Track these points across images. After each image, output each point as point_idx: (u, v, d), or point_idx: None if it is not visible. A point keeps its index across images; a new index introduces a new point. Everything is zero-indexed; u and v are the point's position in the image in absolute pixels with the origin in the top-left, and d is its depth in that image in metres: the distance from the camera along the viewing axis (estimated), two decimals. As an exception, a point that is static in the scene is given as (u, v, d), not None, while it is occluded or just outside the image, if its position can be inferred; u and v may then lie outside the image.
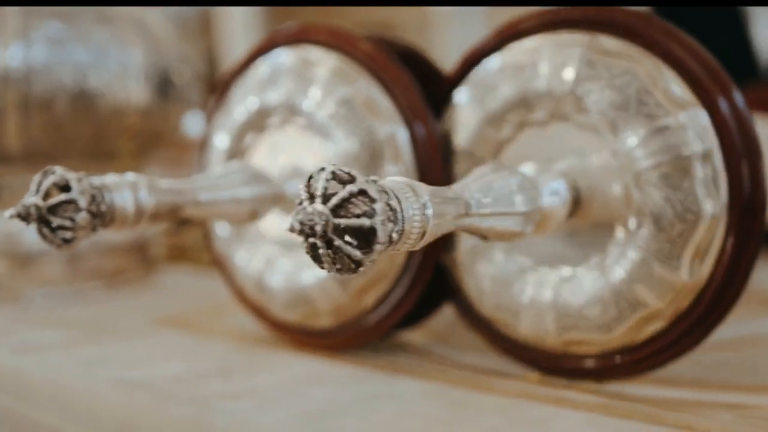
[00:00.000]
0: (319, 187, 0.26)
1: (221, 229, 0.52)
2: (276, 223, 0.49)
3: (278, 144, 0.48)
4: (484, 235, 0.34)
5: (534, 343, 0.42)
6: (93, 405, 0.44)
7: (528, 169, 0.38)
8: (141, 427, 0.41)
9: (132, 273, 0.72)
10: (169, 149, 0.78)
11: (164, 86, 0.69)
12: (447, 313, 0.56)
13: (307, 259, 0.45)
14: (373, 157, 0.44)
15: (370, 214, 0.26)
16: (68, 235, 0.35)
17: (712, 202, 0.36)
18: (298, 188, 0.27)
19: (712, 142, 0.36)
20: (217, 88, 0.53)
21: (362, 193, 0.26)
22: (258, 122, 0.49)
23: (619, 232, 0.39)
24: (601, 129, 0.38)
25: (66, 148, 0.66)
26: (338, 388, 0.42)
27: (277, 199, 0.46)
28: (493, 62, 0.42)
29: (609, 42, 0.38)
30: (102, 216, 0.37)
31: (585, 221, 0.39)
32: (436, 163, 0.44)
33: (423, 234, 0.28)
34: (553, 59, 0.39)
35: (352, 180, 0.26)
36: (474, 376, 0.43)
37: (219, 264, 0.53)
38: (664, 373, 0.41)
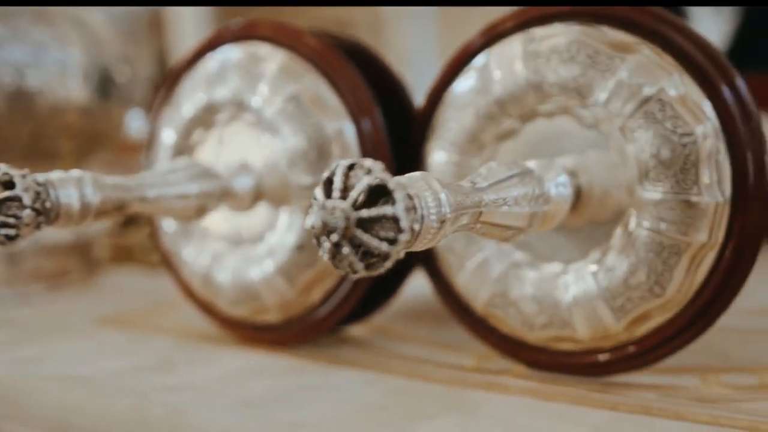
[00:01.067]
0: (336, 183, 0.26)
1: (168, 226, 0.52)
2: (223, 219, 0.49)
3: (226, 140, 0.49)
4: (495, 231, 0.33)
5: (522, 337, 0.42)
6: (33, 401, 0.44)
7: (533, 164, 0.37)
8: (80, 421, 0.41)
9: (75, 274, 0.71)
10: (112, 150, 0.77)
11: (105, 85, 0.69)
12: (389, 308, 0.57)
13: (254, 254, 0.47)
14: (320, 153, 0.45)
15: (392, 202, 0.25)
16: (12, 232, 0.35)
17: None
18: (314, 190, 0.26)
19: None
20: (163, 83, 0.53)
21: (380, 184, 0.25)
22: (206, 118, 0.49)
23: (620, 228, 0.39)
24: (634, 166, 0.37)
25: (5, 147, 0.66)
26: (278, 380, 0.43)
27: (225, 195, 0.46)
28: (514, 45, 0.41)
29: (620, 35, 0.38)
30: (47, 213, 0.36)
31: (583, 218, 0.39)
32: (383, 157, 0.44)
33: (441, 226, 0.28)
34: (631, 76, 0.38)
35: (368, 173, 0.26)
36: (412, 365, 0.45)
37: (166, 261, 0.54)
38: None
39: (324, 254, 0.26)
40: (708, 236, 0.36)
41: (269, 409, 0.39)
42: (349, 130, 0.45)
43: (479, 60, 0.42)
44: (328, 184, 0.26)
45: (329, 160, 0.45)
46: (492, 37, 0.42)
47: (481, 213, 0.31)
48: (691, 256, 0.37)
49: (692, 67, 0.37)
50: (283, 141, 0.45)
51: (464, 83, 0.42)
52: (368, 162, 0.26)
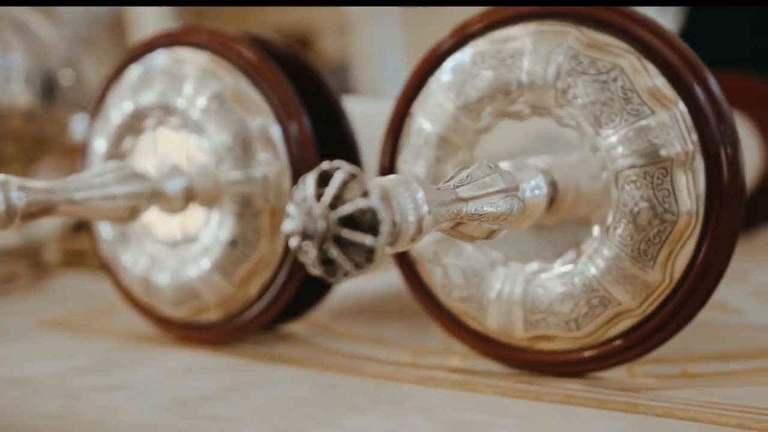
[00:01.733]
0: (308, 190, 0.26)
1: (107, 233, 0.52)
2: (159, 223, 0.50)
3: (155, 145, 0.49)
4: (480, 223, 0.32)
5: (501, 338, 0.42)
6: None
7: (507, 165, 0.37)
8: (13, 421, 0.41)
9: (23, 279, 0.71)
10: (59, 154, 0.77)
11: (49, 90, 0.69)
12: (330, 306, 0.58)
13: (191, 254, 0.47)
14: (245, 149, 0.45)
15: (366, 194, 0.26)
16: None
17: (691, 201, 0.36)
18: (288, 201, 0.27)
19: (694, 141, 0.36)
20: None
21: (352, 178, 0.26)
22: (134, 125, 0.49)
23: (596, 228, 0.39)
24: (584, 122, 0.38)
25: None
26: (214, 378, 0.43)
27: (156, 197, 0.46)
28: (472, 50, 0.41)
29: (596, 35, 0.38)
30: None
31: (561, 216, 0.39)
32: (310, 159, 0.45)
33: (420, 224, 0.28)
34: (537, 50, 0.38)
35: (339, 169, 0.26)
36: (347, 361, 0.45)
37: (107, 268, 0.54)
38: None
39: (310, 262, 0.26)
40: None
41: (199, 406, 0.39)
42: (275, 131, 0.46)
43: (448, 63, 0.42)
44: (301, 192, 0.26)
45: (255, 154, 0.45)
46: (461, 38, 0.42)
47: (458, 213, 0.31)
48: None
49: (665, 66, 0.37)
50: (209, 140, 0.46)
51: (434, 87, 0.42)
52: (336, 163, 0.26)
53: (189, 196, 0.47)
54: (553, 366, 0.41)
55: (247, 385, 0.42)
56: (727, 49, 1.06)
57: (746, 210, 0.86)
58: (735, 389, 0.38)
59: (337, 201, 0.26)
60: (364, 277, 0.70)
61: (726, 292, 0.59)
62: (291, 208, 0.26)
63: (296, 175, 0.45)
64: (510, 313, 0.41)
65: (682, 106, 0.36)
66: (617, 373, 0.41)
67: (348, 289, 0.66)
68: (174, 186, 0.47)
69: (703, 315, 0.38)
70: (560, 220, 0.40)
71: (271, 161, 0.45)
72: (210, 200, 0.47)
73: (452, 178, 0.32)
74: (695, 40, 1.15)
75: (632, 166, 0.36)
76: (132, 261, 0.51)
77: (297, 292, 0.47)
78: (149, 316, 0.52)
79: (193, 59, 0.48)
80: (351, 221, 0.26)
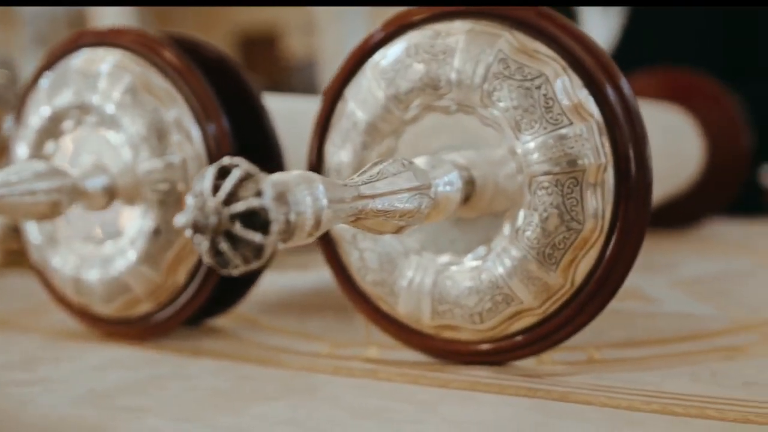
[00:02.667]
0: (205, 185, 0.27)
1: (35, 237, 0.53)
2: (84, 221, 0.50)
3: (76, 145, 0.50)
4: (385, 219, 0.33)
5: (410, 323, 0.43)
6: None
7: (421, 160, 0.38)
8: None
9: (-38, 278, 0.71)
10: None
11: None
12: (257, 300, 0.59)
13: (117, 248, 0.48)
14: (160, 137, 0.46)
15: (259, 193, 0.26)
16: None
17: (599, 212, 0.37)
18: (187, 193, 0.27)
19: (607, 154, 0.37)
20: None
21: (248, 177, 0.27)
22: (53, 128, 0.50)
23: (506, 228, 0.40)
24: (505, 126, 0.38)
25: None
26: (134, 371, 0.44)
27: (78, 195, 0.47)
28: (407, 41, 0.42)
29: (527, 40, 0.39)
30: None
31: (479, 211, 0.40)
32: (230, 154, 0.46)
33: (319, 220, 0.29)
34: (468, 49, 0.39)
35: (237, 166, 0.27)
36: (267, 353, 0.46)
37: (38, 272, 0.54)
38: (437, 340, 0.45)
39: (203, 253, 0.27)
40: (596, 159, 0.37)
41: (114, 398, 0.40)
42: (195, 131, 0.47)
43: (383, 51, 0.42)
44: (198, 185, 0.27)
45: (170, 142, 0.46)
46: (398, 28, 0.42)
47: (362, 209, 0.32)
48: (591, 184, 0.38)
49: (579, 67, 0.38)
50: (125, 133, 0.47)
51: (368, 73, 0.43)
52: (236, 160, 0.27)
53: (111, 193, 0.48)
54: (457, 354, 0.42)
55: (165, 377, 0.43)
56: (671, 48, 1.09)
57: (688, 204, 0.88)
58: (635, 374, 0.40)
59: (231, 197, 0.27)
60: (294, 272, 0.71)
61: (649, 282, 0.61)
62: (188, 200, 0.27)
63: None
64: (419, 302, 0.42)
65: (599, 118, 0.37)
66: (528, 362, 0.42)
67: (277, 283, 0.67)
68: (95, 183, 0.47)
69: (620, 304, 0.39)
70: (479, 214, 0.41)
71: (185, 145, 0.46)
72: (132, 196, 0.47)
73: (364, 172, 0.33)
74: (639, 39, 1.17)
75: (546, 173, 0.37)
76: (62, 262, 0.51)
77: (224, 278, 0.48)
78: (84, 317, 0.52)
79: (106, 56, 0.49)
80: (244, 218, 0.27)
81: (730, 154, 0.85)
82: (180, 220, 0.27)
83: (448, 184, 0.37)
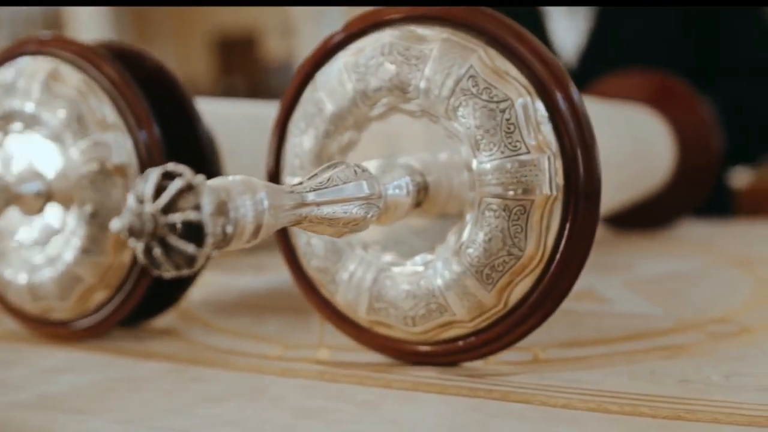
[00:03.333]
0: (146, 189, 0.27)
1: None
2: (26, 227, 0.51)
3: (10, 152, 0.51)
4: (328, 226, 0.34)
5: (348, 313, 0.44)
6: None
7: (374, 163, 0.38)
8: None
9: None
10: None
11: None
12: (211, 301, 0.59)
13: (60, 243, 0.48)
14: (80, 120, 0.48)
15: (198, 207, 0.27)
16: None
17: (541, 243, 0.38)
18: (128, 194, 0.28)
19: (559, 187, 0.37)
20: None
21: (190, 188, 0.27)
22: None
23: (452, 240, 0.40)
24: (465, 142, 0.39)
25: None
26: (85, 374, 0.44)
27: (12, 198, 0.48)
28: (382, 38, 0.41)
29: (499, 60, 0.39)
30: None
31: (429, 215, 0.41)
32: (159, 162, 0.47)
33: (259, 227, 0.29)
34: (441, 60, 0.39)
35: (180, 176, 0.27)
36: (219, 355, 0.46)
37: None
38: (386, 341, 0.46)
39: (138, 254, 0.27)
40: (549, 188, 0.37)
41: (62, 402, 0.40)
42: (127, 141, 0.48)
43: (359, 44, 0.42)
44: (140, 188, 0.27)
45: (90, 127, 0.47)
46: (376, 23, 0.42)
47: (306, 216, 0.32)
48: (538, 213, 0.38)
49: (546, 97, 0.38)
50: (46, 127, 0.48)
51: (340, 62, 0.43)
52: (181, 167, 0.27)
53: (47, 197, 0.49)
54: (387, 350, 0.43)
55: (115, 380, 0.43)
56: (638, 50, 1.10)
57: (659, 205, 0.88)
58: (577, 373, 0.40)
59: (170, 207, 0.27)
60: (250, 274, 0.71)
61: (604, 283, 0.62)
62: (129, 200, 0.27)
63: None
64: (357, 295, 0.42)
65: (556, 151, 0.38)
66: (476, 363, 0.42)
67: (233, 285, 0.67)
68: (30, 188, 0.48)
69: (573, 304, 0.39)
70: (432, 217, 0.41)
71: (107, 124, 0.47)
72: (67, 194, 0.48)
73: (315, 176, 0.34)
74: (605, 41, 1.18)
75: (497, 196, 0.38)
76: (13, 273, 0.52)
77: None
78: (41, 327, 0.53)
79: (43, 66, 0.49)
80: (179, 229, 0.27)
81: (701, 156, 0.86)
82: (116, 224, 0.28)
83: (398, 188, 0.38)
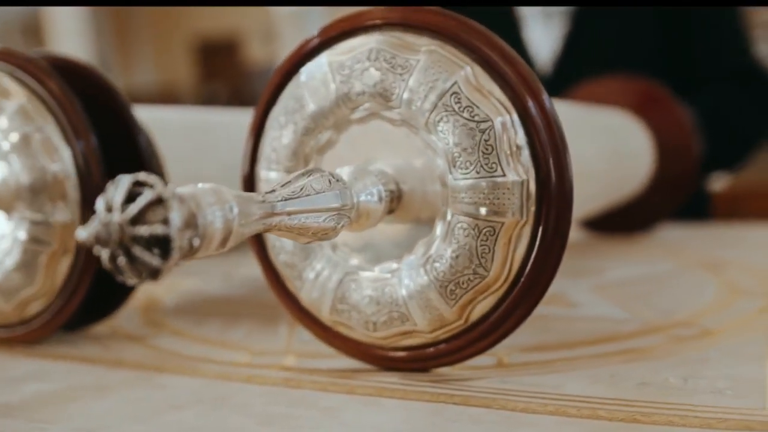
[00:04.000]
0: (116, 198, 0.27)
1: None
2: None
3: None
4: (297, 235, 0.34)
5: (311, 310, 0.44)
6: None
7: (346, 171, 0.38)
8: None
9: None
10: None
11: None
12: (180, 308, 0.59)
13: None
14: (26, 142, 0.48)
15: (166, 221, 0.27)
16: None
17: (506, 265, 0.38)
18: (97, 201, 0.27)
19: (530, 213, 0.38)
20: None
21: (159, 200, 0.27)
22: None
23: (420, 251, 0.40)
24: (442, 156, 0.39)
25: None
26: (52, 383, 0.44)
27: None
28: (369, 43, 0.41)
29: (485, 80, 0.39)
30: None
31: (402, 221, 0.41)
32: (95, 172, 0.48)
33: (227, 237, 0.29)
34: (426, 72, 0.39)
35: (150, 187, 0.27)
36: (185, 362, 0.47)
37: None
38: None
39: (103, 260, 0.27)
40: (520, 213, 0.38)
41: (26, 411, 0.40)
42: (66, 153, 0.48)
43: (346, 45, 0.42)
44: (109, 195, 0.27)
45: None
46: (366, 26, 0.42)
47: (276, 225, 0.32)
48: (506, 236, 0.38)
49: (528, 123, 0.38)
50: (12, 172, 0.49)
51: (324, 60, 0.42)
52: (152, 178, 0.27)
53: None
54: (347, 350, 0.44)
55: (81, 389, 0.43)
56: (613, 55, 1.11)
57: (637, 209, 0.89)
58: (539, 377, 0.41)
59: (138, 219, 0.27)
60: (219, 280, 0.71)
61: (574, 287, 0.62)
62: (97, 206, 0.27)
63: (82, 184, 0.48)
64: (321, 295, 0.43)
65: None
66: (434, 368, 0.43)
67: (201, 291, 0.67)
68: None
69: (540, 308, 0.40)
70: (412, 219, 0.41)
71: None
72: (7, 204, 0.49)
73: (288, 184, 0.34)
74: (581, 47, 1.19)
75: (467, 214, 0.38)
76: None
77: (104, 274, 0.49)
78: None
79: (14, 92, 0.49)
80: (146, 241, 0.27)
81: (681, 162, 0.86)
82: (82, 234, 0.28)
83: (370, 195, 0.38)
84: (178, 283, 0.71)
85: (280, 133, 0.43)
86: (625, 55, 1.10)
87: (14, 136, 0.48)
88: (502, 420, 0.35)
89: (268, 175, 0.44)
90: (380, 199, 0.38)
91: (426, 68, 0.39)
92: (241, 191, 0.32)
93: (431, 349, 0.41)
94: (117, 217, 0.27)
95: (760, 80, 1.09)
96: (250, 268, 0.69)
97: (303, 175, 0.34)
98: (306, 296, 0.43)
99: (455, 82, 0.38)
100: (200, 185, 0.29)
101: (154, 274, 0.27)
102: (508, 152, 0.38)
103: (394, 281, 0.41)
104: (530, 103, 0.38)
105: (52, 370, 0.47)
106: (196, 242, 0.28)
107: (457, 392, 0.39)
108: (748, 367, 0.41)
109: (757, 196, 1.78)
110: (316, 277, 0.43)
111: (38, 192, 0.48)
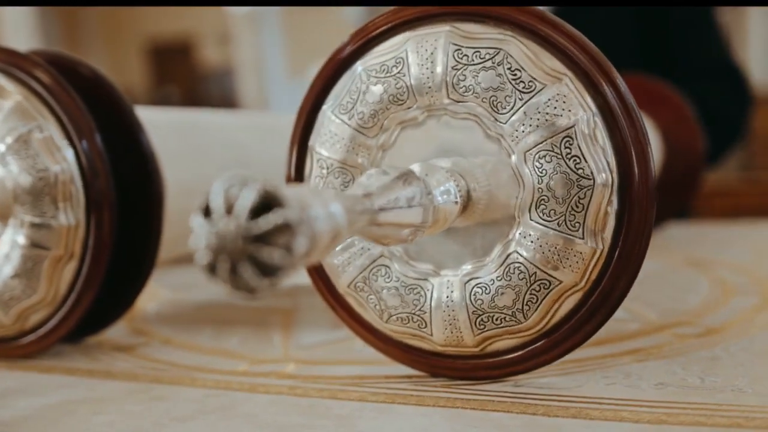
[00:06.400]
0: (241, 202, 0.24)
1: None
2: None
3: None
4: (372, 240, 0.32)
5: (327, 273, 0.42)
6: None
7: (416, 168, 0.35)
8: None
9: None
10: None
11: None
12: (171, 317, 0.57)
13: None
14: (27, 142, 0.46)
15: (289, 249, 0.23)
16: None
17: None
18: (193, 217, 0.24)
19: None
20: None
21: (267, 192, 0.23)
22: None
23: (465, 266, 0.39)
24: (527, 190, 0.37)
25: None
26: (43, 397, 0.42)
27: None
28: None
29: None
30: None
31: (476, 218, 0.37)
32: (103, 172, 0.46)
33: (336, 237, 0.26)
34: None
35: (279, 205, 0.23)
36: (181, 372, 0.45)
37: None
38: (363, 354, 0.45)
39: (221, 279, 0.24)
40: (580, 279, 0.37)
41: (19, 427, 0.38)
42: (69, 154, 0.46)
43: (395, 41, 0.40)
44: (210, 205, 0.24)
45: (39, 155, 0.46)
46: (366, 41, 0.40)
47: (372, 220, 0.29)
48: (556, 295, 0.37)
49: (619, 146, 0.36)
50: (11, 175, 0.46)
51: (323, 123, 0.41)
52: (281, 191, 0.24)
53: None
54: (350, 324, 0.42)
55: (75, 402, 0.41)
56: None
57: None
58: (551, 379, 0.40)
59: (262, 237, 0.24)
60: (206, 287, 0.69)
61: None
62: (197, 222, 0.24)
63: (87, 185, 0.46)
64: (346, 265, 0.40)
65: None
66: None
67: (185, 299, 0.65)
68: None
69: None
70: (476, 221, 0.38)
71: (57, 161, 0.46)
72: (5, 208, 0.47)
73: (387, 190, 0.31)
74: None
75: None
76: None
77: (109, 282, 0.48)
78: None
79: (9, 91, 0.47)
80: (266, 236, 0.24)
81: (687, 160, 0.86)
82: (198, 243, 0.24)
83: (445, 193, 0.34)
84: (156, 291, 0.69)
85: (336, 125, 0.41)
86: (603, 52, 1.10)
87: (11, 136, 0.46)
88: (525, 425, 0.34)
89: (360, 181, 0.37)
90: (454, 197, 0.35)
91: (549, 98, 0.36)
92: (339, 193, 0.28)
93: (436, 358, 0.40)
94: (236, 225, 0.23)
95: (737, 77, 1.11)
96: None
97: (401, 182, 0.31)
98: (330, 258, 0.41)
99: (572, 126, 0.36)
100: (317, 204, 0.25)
101: (251, 291, 0.24)
102: (595, 219, 0.36)
103: (427, 285, 0.39)
104: (636, 176, 0.36)
105: (41, 384, 0.45)
106: (311, 233, 0.25)
107: (471, 397, 0.38)
108: (762, 365, 0.40)
109: (717, 194, 1.80)
110: (347, 247, 0.40)
111: (39, 194, 0.45)
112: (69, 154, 0.46)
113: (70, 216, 0.46)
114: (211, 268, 0.24)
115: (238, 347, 0.50)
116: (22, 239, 0.46)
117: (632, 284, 0.37)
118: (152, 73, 8.39)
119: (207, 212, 0.24)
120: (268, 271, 0.24)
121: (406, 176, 0.32)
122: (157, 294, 0.68)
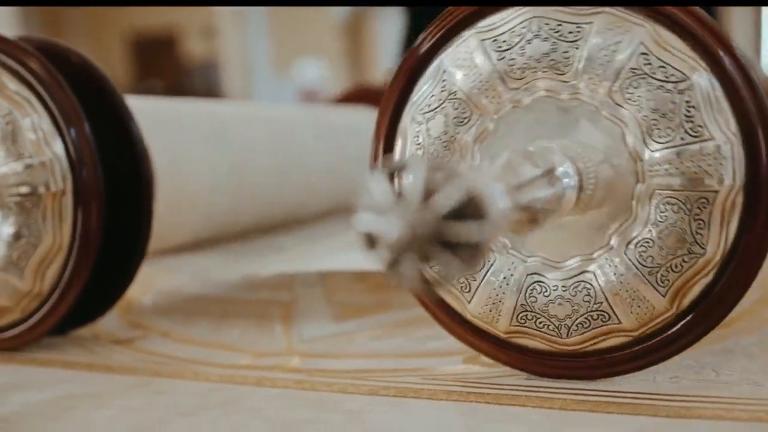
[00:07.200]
0: (417, 186, 0.21)
1: None
2: None
3: None
4: (530, 222, 0.29)
5: (479, 326, 0.39)
6: None
7: (518, 152, 0.31)
8: None
9: None
10: None
11: None
12: (170, 310, 0.56)
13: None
14: (14, 140, 0.45)
15: (481, 224, 0.21)
16: None
17: (721, 238, 0.34)
18: (378, 183, 0.21)
19: (741, 177, 0.33)
20: None
21: (473, 198, 0.21)
22: None
23: (614, 240, 0.36)
24: (632, 128, 0.34)
25: None
26: (41, 392, 0.41)
27: None
28: (525, 13, 0.36)
29: (668, 36, 0.34)
30: None
31: (585, 210, 0.35)
32: (91, 161, 0.45)
33: (507, 217, 0.24)
34: (605, 34, 0.34)
35: (456, 178, 0.21)
36: (184, 366, 0.44)
37: None
38: (369, 347, 0.44)
39: (409, 276, 0.22)
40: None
41: (17, 423, 0.37)
42: (55, 136, 0.45)
43: (495, 18, 0.37)
44: (379, 194, 0.22)
45: (25, 146, 0.44)
46: (443, 37, 0.38)
47: (524, 206, 0.28)
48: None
49: (691, 38, 0.34)
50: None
51: (471, 41, 0.37)
52: (447, 165, 0.22)
53: None
54: (522, 364, 0.39)
55: (75, 397, 0.40)
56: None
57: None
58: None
59: (451, 214, 0.21)
60: (200, 279, 0.68)
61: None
62: (367, 218, 0.22)
63: (76, 174, 0.45)
64: (497, 303, 0.38)
65: (738, 135, 0.33)
66: (456, 364, 0.41)
67: (181, 291, 0.64)
68: None
69: None
70: (583, 213, 0.36)
71: (43, 148, 0.44)
72: None
73: (532, 185, 0.29)
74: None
75: (674, 188, 0.34)
76: None
77: (96, 277, 0.46)
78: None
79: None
80: (452, 216, 0.21)
81: None
82: (388, 238, 0.21)
83: (565, 176, 0.32)
84: (150, 281, 0.68)
85: (427, 125, 0.38)
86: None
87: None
88: (545, 420, 0.34)
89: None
90: (574, 184, 0.33)
91: (602, 31, 0.34)
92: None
93: (633, 349, 0.37)
94: (410, 206, 0.21)
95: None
96: (223, 264, 0.66)
97: (544, 177, 0.30)
98: (474, 308, 0.38)
99: (640, 42, 0.34)
100: (494, 191, 0.23)
101: (479, 247, 0.21)
102: (711, 112, 0.33)
103: (588, 277, 0.36)
104: (724, 57, 0.33)
105: (37, 378, 0.44)
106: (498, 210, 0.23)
107: (485, 391, 0.37)
108: (777, 358, 0.40)
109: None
110: (487, 284, 0.38)
111: (25, 183, 0.44)
112: (57, 142, 0.45)
113: (57, 206, 0.44)
114: (394, 266, 0.21)
115: (239, 340, 0.49)
116: (8, 229, 0.45)
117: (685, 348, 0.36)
118: (136, 66, 8.32)
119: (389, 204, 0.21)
120: (461, 251, 0.21)
121: (551, 175, 0.30)
122: (151, 285, 0.66)
